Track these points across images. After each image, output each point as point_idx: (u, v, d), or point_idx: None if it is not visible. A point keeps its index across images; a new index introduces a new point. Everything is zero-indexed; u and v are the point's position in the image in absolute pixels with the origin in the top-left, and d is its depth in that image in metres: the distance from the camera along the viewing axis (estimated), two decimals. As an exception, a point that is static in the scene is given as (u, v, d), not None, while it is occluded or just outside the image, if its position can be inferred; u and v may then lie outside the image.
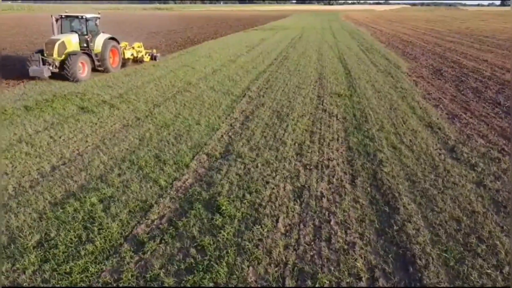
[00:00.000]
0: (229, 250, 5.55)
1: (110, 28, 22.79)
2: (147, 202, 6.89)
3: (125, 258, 5.40)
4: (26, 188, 7.42)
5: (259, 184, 7.51)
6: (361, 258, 5.49)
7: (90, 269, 5.18)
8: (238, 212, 6.52)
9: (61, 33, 17.71)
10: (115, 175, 7.89)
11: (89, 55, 17.48)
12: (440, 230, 6.14)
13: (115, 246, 5.70)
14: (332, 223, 6.30)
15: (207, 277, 5.03)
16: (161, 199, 7.00)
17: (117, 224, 6.17)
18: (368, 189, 7.46)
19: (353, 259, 5.44)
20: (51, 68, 16.39)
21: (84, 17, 17.72)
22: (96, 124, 11.11)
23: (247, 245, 5.68)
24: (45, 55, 16.49)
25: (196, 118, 11.64)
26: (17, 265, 5.27)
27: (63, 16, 17.92)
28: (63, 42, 16.60)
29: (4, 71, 18.48)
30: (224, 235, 5.88)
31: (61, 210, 6.56)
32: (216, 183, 7.58)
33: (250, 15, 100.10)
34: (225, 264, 5.27)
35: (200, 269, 5.18)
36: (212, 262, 5.31)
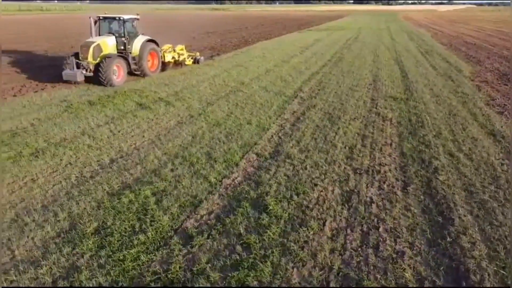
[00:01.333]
0: (274, 250, 5.59)
1: (166, 28, 23.69)
2: (197, 198, 7.10)
3: (174, 250, 5.61)
4: (87, 178, 7.92)
5: (307, 186, 7.49)
6: (410, 268, 5.31)
7: (142, 258, 5.44)
8: (285, 212, 6.54)
9: (99, 35, 17.19)
10: (168, 170, 8.20)
11: (125, 58, 16.84)
12: (498, 245, 5.78)
13: (165, 238, 5.94)
14: (380, 230, 6.15)
15: (252, 274, 5.11)
16: (210, 195, 7.19)
17: (168, 217, 6.43)
18: (421, 197, 7.18)
19: (402, 269, 5.27)
20: (85, 72, 15.90)
21: (121, 18, 17.10)
22: (152, 120, 11.61)
23: (293, 246, 5.68)
24: (80, 58, 16.03)
25: (248, 118, 11.80)
26: (77, 249, 5.65)
27: (101, 18, 17.39)
28: (98, 44, 16.05)
29: (42, 74, 18.27)
30: (270, 235, 5.93)
31: (117, 201, 6.94)
32: (264, 182, 7.65)
33: (305, 15, 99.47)
34: (269, 263, 5.31)
35: (245, 266, 5.26)
36: (257, 261, 5.37)
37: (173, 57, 20.14)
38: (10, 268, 5.26)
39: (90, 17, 17.22)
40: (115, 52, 16.80)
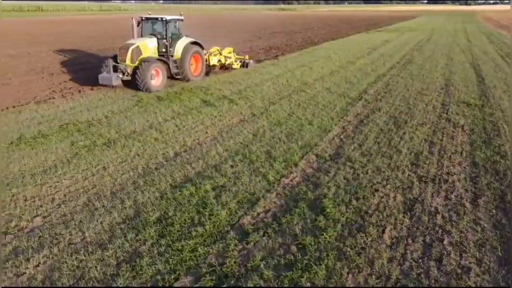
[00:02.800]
0: (329, 253, 5.49)
1: (232, 28, 24.05)
2: (255, 195, 7.18)
3: (230, 245, 5.72)
4: (152, 169, 8.33)
5: (367, 191, 7.26)
6: (476, 286, 4.95)
7: (199, 250, 5.61)
8: (343, 216, 6.40)
9: (141, 36, 16.30)
10: (228, 166, 8.38)
11: (165, 62, 15.87)
12: None
13: (222, 232, 6.08)
14: (445, 242, 5.80)
15: (305, 276, 5.06)
16: (268, 194, 7.23)
17: (226, 212, 6.56)
18: (493, 211, 6.66)
19: (466, 286, 4.93)
20: (121, 75, 15.06)
21: (164, 19, 16.00)
22: (215, 117, 11.93)
23: (349, 251, 5.55)
24: (118, 61, 15.20)
25: (309, 118, 11.70)
26: (140, 236, 5.96)
27: (143, 18, 16.43)
28: (138, 47, 15.11)
29: (83, 77, 17.76)
30: (326, 238, 5.84)
31: (179, 193, 7.22)
32: (323, 184, 7.54)
33: (375, 16, 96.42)
34: (324, 266, 5.23)
35: (299, 267, 5.23)
36: (311, 262, 5.32)
37: (219, 61, 19.17)
38: (80, 248, 5.67)
39: (132, 18, 16.51)
40: (156, 54, 15.92)
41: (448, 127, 10.90)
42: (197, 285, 4.97)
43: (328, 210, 6.52)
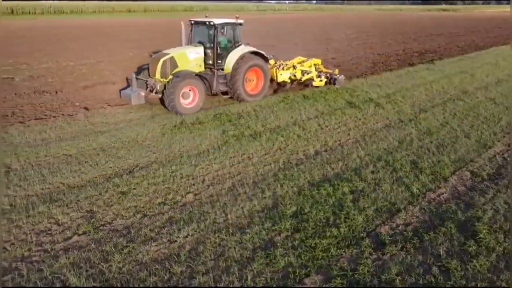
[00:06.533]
0: (479, 284, 4.86)
1: (382, 29, 22.96)
2: (396, 206, 6.78)
3: (364, 252, 5.53)
4: (293, 164, 8.55)
5: (535, 222, 6.19)
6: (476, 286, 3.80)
7: (331, 251, 5.55)
8: (500, 246, 5.59)
9: (191, 43, 13.45)
10: (369, 172, 8.08)
11: (204, 78, 12.74)
12: None
13: (357, 238, 5.90)
14: None
15: (447, 303, 4.59)
16: (410, 206, 6.76)
17: (363, 218, 6.35)
18: None
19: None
20: (143, 93, 12.29)
21: (212, 23, 12.78)
22: (359, 119, 11.62)
23: (504, 286, 4.83)
24: (149, 74, 12.67)
25: (466, 131, 10.50)
26: (275, 227, 6.19)
27: (192, 22, 13.55)
28: (172, 58, 12.30)
29: None
30: (476, 266, 5.18)
31: (316, 191, 7.26)
32: (477, 206, 6.70)
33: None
34: (471, 297, 4.66)
35: (440, 292, 4.77)
36: (455, 290, 4.79)
37: (293, 75, 15.09)
38: (222, 228, 6.17)
39: (181, 22, 13.91)
40: (201, 67, 12.97)
41: None
42: (326, 286, 4.94)
43: (481, 235, 5.77)
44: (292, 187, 7.48)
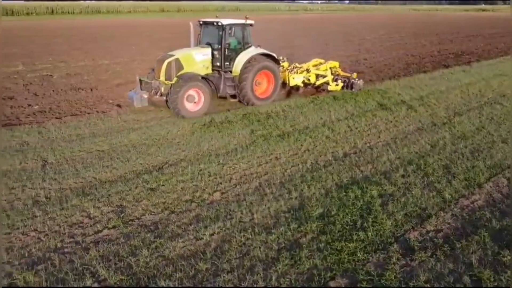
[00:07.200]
0: (513, 296, 4.66)
1: (416, 29, 22.34)
2: (426, 211, 6.59)
3: (392, 257, 5.40)
4: (320, 166, 8.47)
5: None
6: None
7: (358, 255, 5.46)
8: (538, 257, 5.34)
9: (199, 45, 13.12)
10: (399, 176, 7.90)
11: (209, 81, 12.46)
12: None
13: (385, 243, 5.77)
14: None
15: (478, 314, 4.42)
16: (441, 212, 6.55)
17: (391, 223, 6.21)
18: None
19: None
20: (146, 95, 12.18)
21: (220, 23, 12.51)
22: (391, 122, 11.38)
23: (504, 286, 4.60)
24: (154, 76, 12.25)
25: (503, 136, 10.09)
26: (301, 228, 6.14)
27: (201, 22, 13.29)
28: (177, 60, 11.97)
29: None
30: (510, 277, 4.97)
31: (344, 193, 7.16)
32: (514, 214, 6.42)
33: None
34: (504, 309, 4.48)
35: (471, 302, 4.60)
36: (487, 301, 4.61)
37: (307, 79, 14.52)
38: (248, 227, 6.18)
39: (190, 22, 13.50)
40: (208, 69, 12.69)
41: None
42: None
43: (518, 245, 5.53)
44: (319, 188, 7.41)
